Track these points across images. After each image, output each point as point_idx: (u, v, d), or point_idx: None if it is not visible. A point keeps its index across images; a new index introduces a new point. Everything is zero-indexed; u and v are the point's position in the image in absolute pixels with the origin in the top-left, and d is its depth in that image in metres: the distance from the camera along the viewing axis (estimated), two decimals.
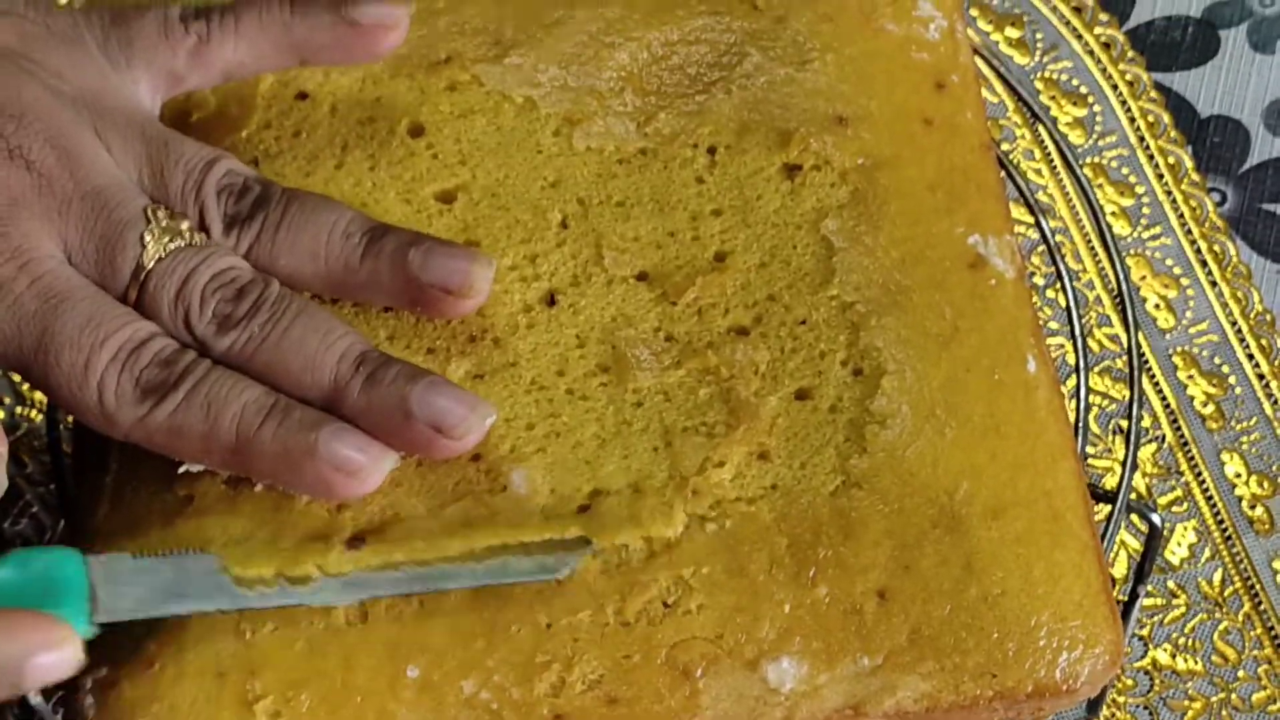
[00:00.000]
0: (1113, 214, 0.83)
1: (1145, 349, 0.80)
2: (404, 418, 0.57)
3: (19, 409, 0.79)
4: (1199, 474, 0.78)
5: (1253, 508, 0.78)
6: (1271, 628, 0.76)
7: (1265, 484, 0.78)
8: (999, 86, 0.85)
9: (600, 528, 0.58)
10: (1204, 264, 0.82)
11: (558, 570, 0.58)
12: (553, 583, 0.58)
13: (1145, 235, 0.83)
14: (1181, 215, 0.83)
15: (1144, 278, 0.82)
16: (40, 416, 0.78)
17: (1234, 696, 0.75)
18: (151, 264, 0.58)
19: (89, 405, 0.57)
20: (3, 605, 0.54)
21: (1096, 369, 0.80)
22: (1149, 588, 0.76)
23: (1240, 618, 0.76)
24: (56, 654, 0.53)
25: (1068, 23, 0.87)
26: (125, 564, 0.56)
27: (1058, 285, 0.80)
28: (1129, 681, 0.75)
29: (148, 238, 0.58)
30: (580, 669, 0.58)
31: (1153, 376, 0.80)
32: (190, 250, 0.58)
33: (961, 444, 0.60)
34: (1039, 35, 0.87)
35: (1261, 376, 0.80)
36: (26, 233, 0.58)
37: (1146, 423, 0.79)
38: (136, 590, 0.56)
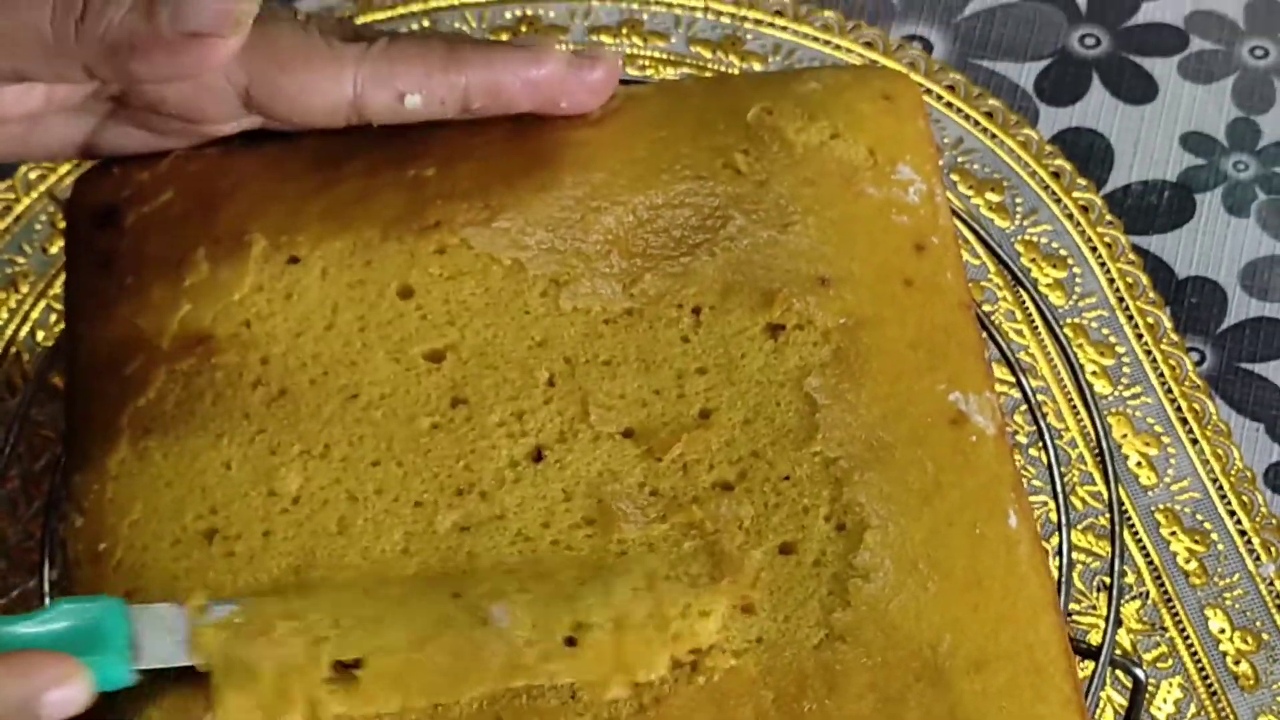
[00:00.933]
0: (1093, 373, 0.84)
1: (1128, 506, 0.81)
2: None
3: (13, 577, 0.79)
4: (1183, 630, 0.79)
5: (1237, 663, 0.78)
6: None
7: (1249, 639, 0.78)
8: (980, 249, 0.86)
9: (585, 669, 0.59)
10: (1184, 422, 0.83)
11: None
12: None
13: (1126, 394, 0.84)
14: (1161, 374, 0.84)
15: (1125, 436, 0.83)
16: (34, 580, 0.78)
17: None
18: None
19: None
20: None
21: (1079, 526, 0.81)
22: None
23: None
24: (66, 689, 0.56)
25: (1047, 187, 0.89)
26: (165, 612, 0.59)
27: (1040, 444, 0.81)
28: None
29: None
30: None
31: (1135, 533, 0.80)
32: None
33: (944, 597, 0.61)
34: (1018, 200, 0.89)
35: (1243, 533, 0.81)
36: None
37: (1130, 579, 0.80)
38: (176, 637, 0.58)
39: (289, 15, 0.64)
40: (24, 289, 0.85)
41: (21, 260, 0.86)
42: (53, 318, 0.84)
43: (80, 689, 0.56)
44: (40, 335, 0.84)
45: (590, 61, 0.67)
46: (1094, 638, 0.78)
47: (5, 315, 0.85)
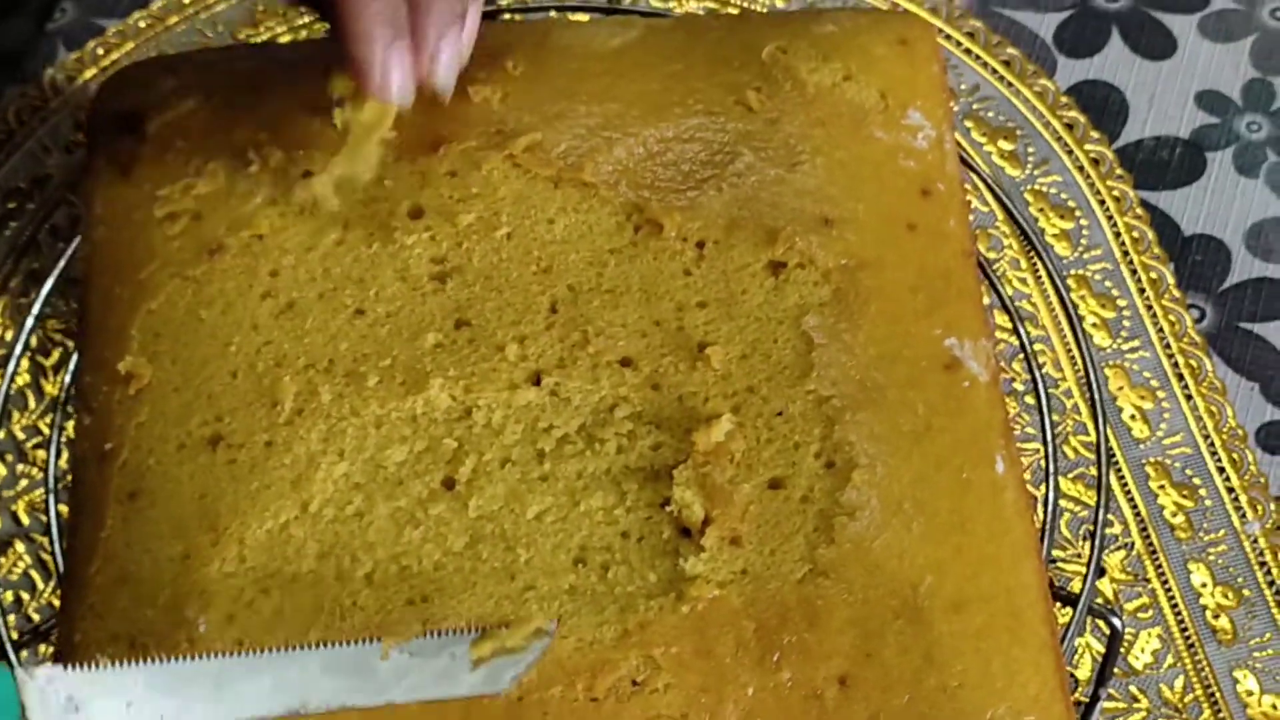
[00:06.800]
0: (1094, 325, 0.85)
1: (1119, 458, 0.82)
2: None
3: (20, 466, 0.81)
4: (1165, 582, 0.80)
5: (1216, 617, 0.79)
6: None
7: (1230, 595, 0.80)
8: (989, 197, 0.87)
9: None
10: (1180, 378, 0.84)
11: (499, 683, 0.59)
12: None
13: (1125, 347, 0.85)
14: (1161, 330, 0.85)
15: (1121, 388, 0.84)
16: (39, 473, 0.80)
17: None
18: None
19: None
20: None
21: (1070, 475, 0.81)
22: (1111, 691, 0.77)
23: None
24: None
25: (1059, 138, 0.89)
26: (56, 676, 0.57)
27: (1034, 391, 0.82)
28: None
29: None
30: None
31: (1125, 485, 0.81)
32: None
33: (928, 539, 0.62)
34: (1030, 149, 0.89)
35: (1231, 490, 0.82)
36: None
37: (1117, 529, 0.81)
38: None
39: None
40: (47, 189, 0.86)
41: (49, 161, 0.86)
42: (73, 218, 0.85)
43: None
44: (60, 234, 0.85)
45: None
46: (1077, 585, 0.79)
47: (28, 213, 0.86)
